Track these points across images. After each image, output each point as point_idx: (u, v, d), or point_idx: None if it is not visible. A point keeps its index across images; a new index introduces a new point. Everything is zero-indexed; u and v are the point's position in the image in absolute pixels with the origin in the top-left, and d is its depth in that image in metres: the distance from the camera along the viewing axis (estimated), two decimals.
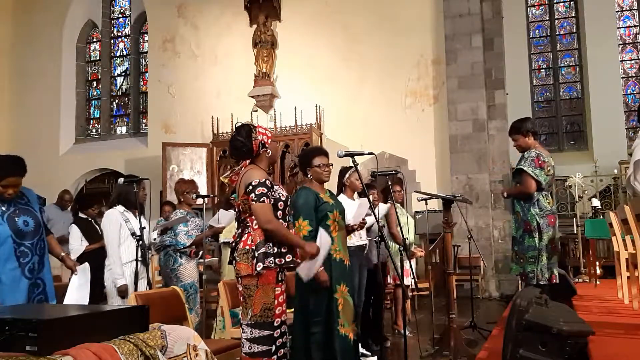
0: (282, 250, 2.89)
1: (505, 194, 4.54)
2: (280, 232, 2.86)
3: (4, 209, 3.10)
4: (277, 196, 2.94)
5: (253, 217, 2.88)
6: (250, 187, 2.85)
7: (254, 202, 2.83)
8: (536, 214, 4.13)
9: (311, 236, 3.33)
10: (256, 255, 2.83)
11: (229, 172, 3.11)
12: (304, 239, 3.33)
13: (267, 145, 3.02)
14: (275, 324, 2.89)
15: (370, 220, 4.01)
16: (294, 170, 9.49)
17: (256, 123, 8.09)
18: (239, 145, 2.99)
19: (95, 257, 5.87)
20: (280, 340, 2.93)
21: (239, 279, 2.91)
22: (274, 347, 2.88)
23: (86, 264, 3.61)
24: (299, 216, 3.40)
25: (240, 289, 2.92)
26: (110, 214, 4.17)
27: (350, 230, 3.78)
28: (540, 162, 4.17)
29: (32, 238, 3.17)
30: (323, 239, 3.06)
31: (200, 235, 4.66)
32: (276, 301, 2.89)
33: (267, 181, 2.90)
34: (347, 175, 4.37)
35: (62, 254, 3.52)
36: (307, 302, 3.41)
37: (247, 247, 2.86)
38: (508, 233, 8.60)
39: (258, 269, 2.81)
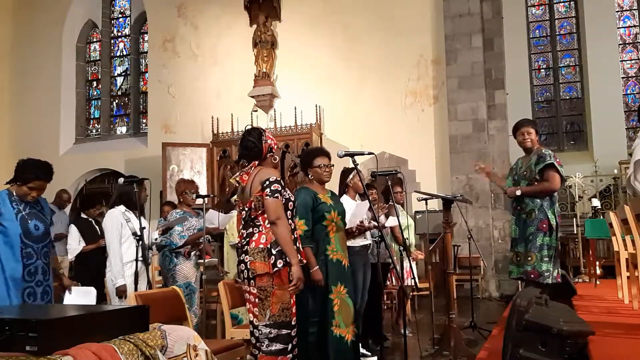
0: None
1: (518, 192, 4.14)
2: (283, 232, 2.86)
3: (20, 208, 3.16)
4: (288, 196, 3.00)
5: (265, 215, 2.90)
6: (267, 183, 2.90)
7: (268, 197, 2.87)
8: (555, 212, 4.11)
9: (306, 236, 3.35)
10: (274, 252, 2.84)
11: (238, 172, 3.14)
12: (300, 238, 3.34)
13: (274, 151, 3.10)
14: (292, 323, 2.93)
15: (392, 221, 3.99)
16: (294, 170, 9.49)
17: (256, 123, 8.06)
18: (250, 146, 3.05)
19: (96, 258, 5.90)
20: (296, 339, 2.97)
21: (252, 280, 2.90)
22: (290, 346, 2.92)
23: (93, 289, 3.58)
24: (295, 215, 3.41)
25: (255, 291, 2.89)
26: (111, 213, 4.19)
27: (350, 233, 3.78)
28: (558, 160, 4.13)
29: (39, 242, 3.21)
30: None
31: (194, 236, 4.65)
32: (291, 300, 2.93)
33: (281, 180, 2.97)
34: (350, 177, 4.36)
35: (60, 270, 3.56)
36: (305, 302, 3.42)
37: (262, 246, 2.87)
38: (508, 233, 8.59)
39: (279, 265, 2.83)
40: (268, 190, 2.88)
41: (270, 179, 2.90)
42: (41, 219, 3.27)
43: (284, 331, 2.88)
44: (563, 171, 4.13)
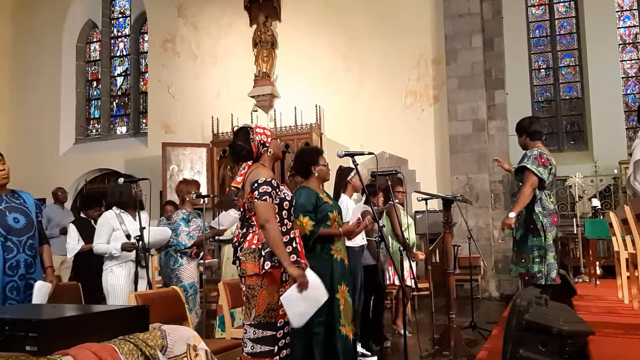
0: (287, 250, 2.86)
1: (511, 215, 4.06)
2: (273, 235, 2.77)
3: None
4: (283, 196, 2.93)
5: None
6: (255, 185, 2.84)
7: (256, 200, 2.82)
8: (540, 212, 4.06)
9: (312, 235, 3.33)
10: (263, 254, 2.81)
11: (236, 176, 3.09)
12: (306, 237, 3.31)
13: (267, 144, 3.00)
14: (278, 325, 2.87)
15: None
16: (294, 170, 9.49)
17: (256, 123, 8.06)
18: (238, 150, 2.99)
19: (94, 258, 5.89)
20: (283, 341, 2.91)
21: (243, 278, 2.89)
22: (276, 348, 2.86)
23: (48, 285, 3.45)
24: (299, 214, 3.39)
25: (244, 289, 2.89)
26: (104, 216, 4.17)
27: (349, 232, 3.76)
28: (543, 160, 4.09)
29: (21, 235, 3.12)
30: (313, 283, 2.81)
31: (202, 236, 4.66)
32: (279, 302, 2.86)
33: (273, 180, 2.88)
34: (351, 175, 4.35)
35: (48, 266, 3.38)
36: None
37: (253, 246, 2.84)
38: (508, 233, 8.58)
39: (266, 267, 2.78)
40: (256, 192, 2.81)
41: (259, 181, 2.83)
42: (22, 211, 3.17)
43: (268, 333, 2.83)
44: (542, 172, 4.05)
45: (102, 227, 4.09)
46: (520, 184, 4.22)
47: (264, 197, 2.81)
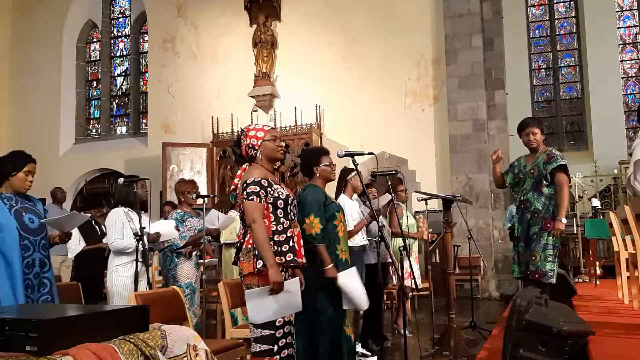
0: (283, 249, 2.85)
1: (564, 221, 3.99)
2: (259, 235, 2.77)
3: (11, 203, 3.18)
4: (277, 195, 2.89)
5: None
6: (245, 185, 2.85)
7: (244, 200, 2.83)
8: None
9: (321, 236, 3.31)
10: (256, 253, 2.81)
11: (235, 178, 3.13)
12: (315, 237, 3.30)
13: (257, 147, 2.96)
14: (277, 324, 2.85)
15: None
16: (294, 170, 9.49)
17: (255, 122, 8.04)
18: (234, 152, 3.10)
19: (93, 258, 5.90)
20: (284, 340, 2.89)
21: (242, 278, 2.91)
22: (276, 347, 2.86)
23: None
24: (310, 213, 3.34)
25: (244, 288, 2.90)
26: (114, 212, 4.20)
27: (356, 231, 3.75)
28: (565, 161, 4.14)
29: (36, 235, 3.22)
30: (292, 293, 2.84)
31: (194, 236, 4.64)
32: None
33: (263, 180, 2.85)
34: (351, 175, 4.35)
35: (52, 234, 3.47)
36: (314, 303, 3.39)
37: (250, 246, 2.84)
38: (508, 233, 8.61)
39: (258, 266, 2.79)
40: (244, 193, 2.82)
41: (248, 181, 2.84)
42: (35, 212, 3.28)
43: (267, 332, 2.82)
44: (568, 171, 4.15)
45: (115, 223, 4.13)
46: (546, 183, 4.13)
47: (251, 197, 2.81)
